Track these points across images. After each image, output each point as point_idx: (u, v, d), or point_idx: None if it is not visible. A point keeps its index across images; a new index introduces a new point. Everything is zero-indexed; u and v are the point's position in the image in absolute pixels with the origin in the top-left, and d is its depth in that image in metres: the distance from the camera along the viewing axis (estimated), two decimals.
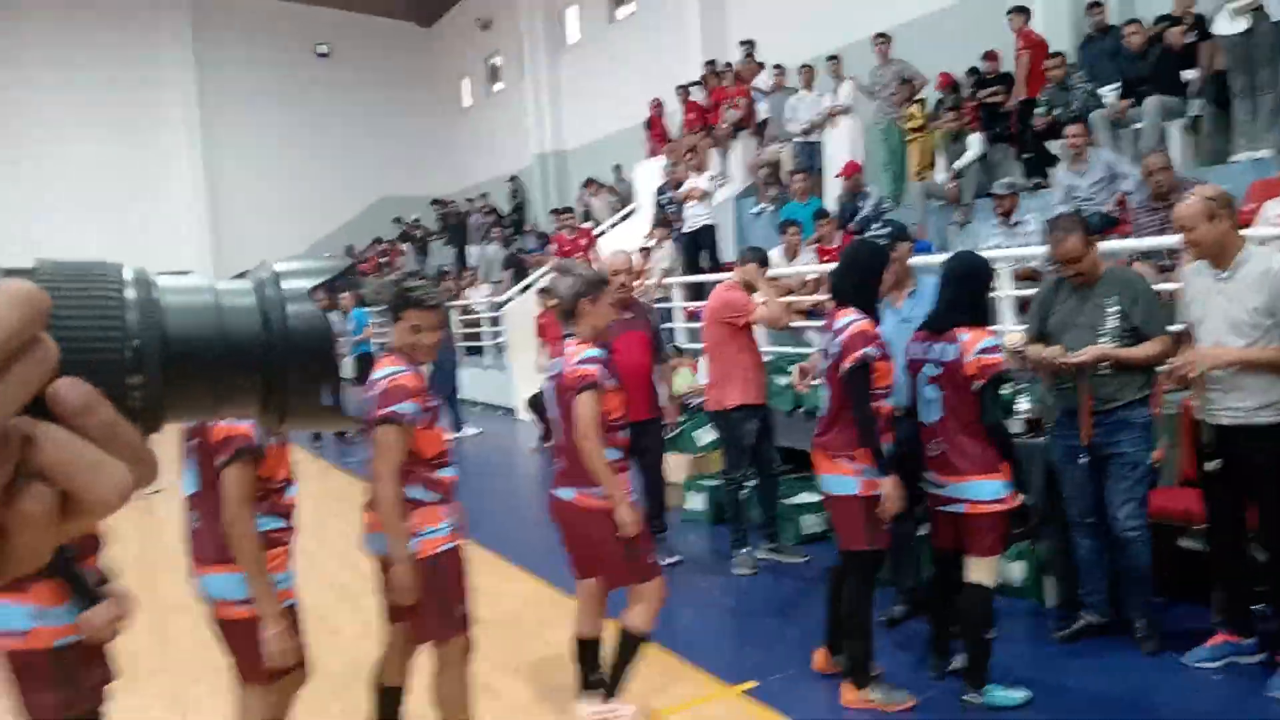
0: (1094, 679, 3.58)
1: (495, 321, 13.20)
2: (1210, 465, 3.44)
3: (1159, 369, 3.66)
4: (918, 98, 9.56)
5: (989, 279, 3.55)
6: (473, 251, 15.86)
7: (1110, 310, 3.67)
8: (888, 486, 3.30)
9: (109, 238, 17.85)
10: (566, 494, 3.26)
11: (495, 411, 12.36)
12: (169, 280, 0.44)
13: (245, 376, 0.43)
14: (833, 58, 10.22)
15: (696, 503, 6.24)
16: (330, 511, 6.93)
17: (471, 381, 12.78)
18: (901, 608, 4.26)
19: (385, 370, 2.78)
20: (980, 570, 3.38)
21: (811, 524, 5.50)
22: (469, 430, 10.69)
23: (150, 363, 0.40)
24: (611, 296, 3.40)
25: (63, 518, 0.38)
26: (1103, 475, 3.78)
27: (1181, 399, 3.99)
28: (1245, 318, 3.29)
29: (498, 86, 21.44)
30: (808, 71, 10.51)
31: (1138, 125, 7.40)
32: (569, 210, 11.89)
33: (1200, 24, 7.41)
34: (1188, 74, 7.43)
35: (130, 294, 0.41)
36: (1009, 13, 8.70)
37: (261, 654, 2.52)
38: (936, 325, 3.44)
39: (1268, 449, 3.29)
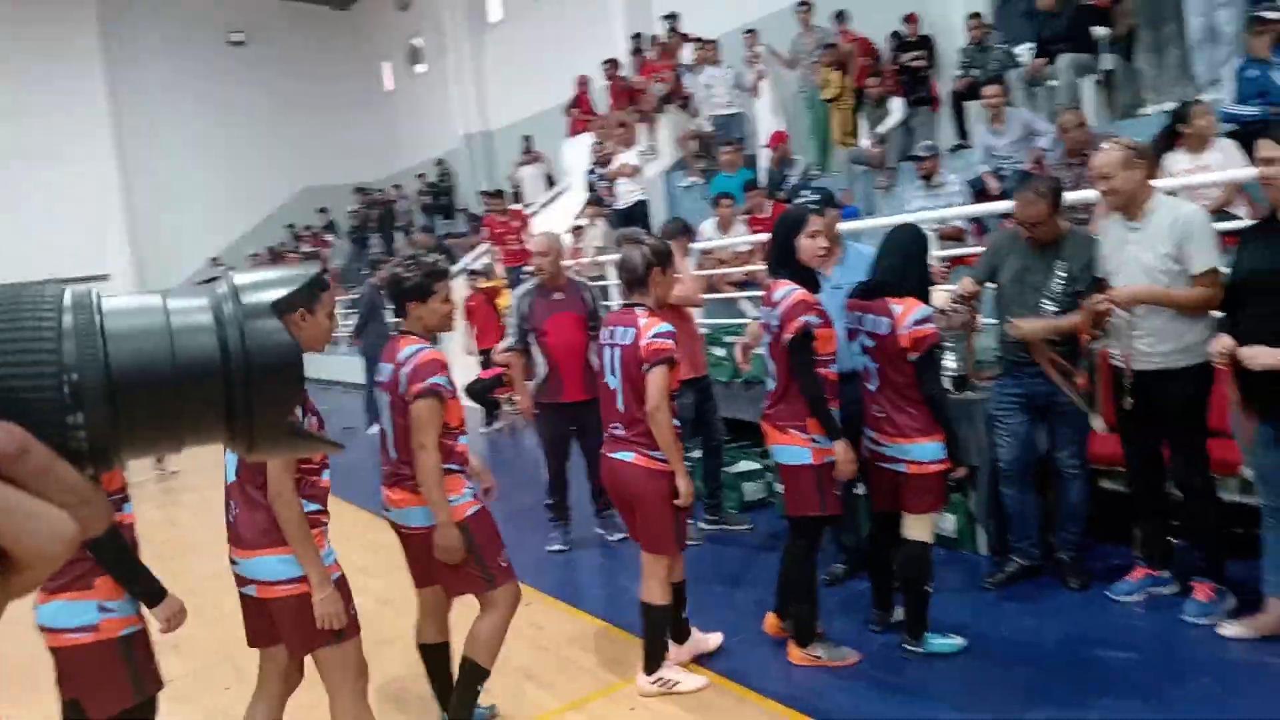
0: (1026, 619, 3.72)
1: None
2: (1127, 404, 3.57)
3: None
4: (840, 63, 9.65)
5: (926, 248, 3.60)
6: (402, 240, 15.67)
7: (1059, 274, 3.77)
8: (840, 452, 3.37)
9: (16, 240, 17.27)
10: (625, 456, 3.36)
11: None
12: (115, 302, 0.40)
13: (205, 404, 0.40)
14: (749, 31, 10.25)
15: None
16: None
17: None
18: (842, 566, 4.36)
19: (411, 348, 2.93)
20: (918, 527, 3.48)
21: (753, 491, 5.59)
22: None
23: (92, 397, 0.37)
24: (671, 269, 3.48)
25: (3, 574, 0.35)
26: (1040, 425, 3.94)
27: (1099, 348, 4.12)
28: (1157, 264, 3.41)
29: (420, 68, 21.08)
30: (710, 46, 10.53)
31: (1053, 83, 7.58)
32: (499, 193, 11.78)
33: None
34: (1099, 31, 7.62)
35: (68, 321, 0.37)
36: None
37: (314, 625, 2.53)
38: (870, 293, 3.49)
39: (1183, 392, 3.44)
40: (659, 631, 3.50)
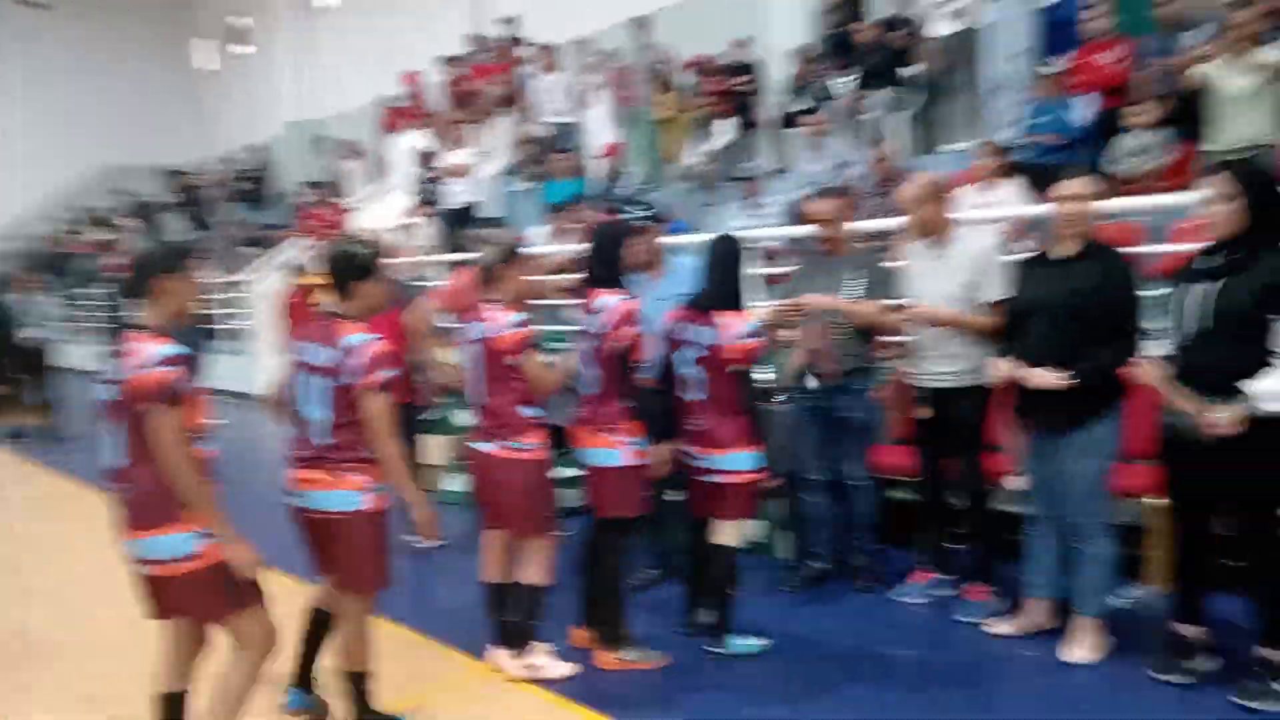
0: (821, 621, 3.94)
1: (234, 302, 12.36)
2: (922, 415, 3.85)
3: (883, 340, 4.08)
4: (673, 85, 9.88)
5: (740, 261, 3.75)
6: (214, 226, 14.73)
7: (851, 284, 3.99)
8: (655, 453, 3.51)
9: None
10: (486, 447, 3.43)
11: (233, 399, 11.58)
12: None
13: None
14: (582, 41, 10.34)
15: (455, 485, 6.19)
16: (62, 514, 6.27)
17: (207, 367, 11.83)
18: (654, 571, 4.46)
19: (358, 337, 2.92)
20: (726, 533, 3.61)
21: (569, 498, 5.61)
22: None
23: None
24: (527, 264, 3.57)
25: None
26: (832, 436, 4.17)
27: (897, 366, 4.42)
28: (954, 291, 3.70)
29: (243, 49, 19.97)
30: (550, 53, 10.59)
31: (867, 116, 8.07)
32: (321, 184, 11.33)
33: (917, 25, 8.18)
34: (909, 70, 8.19)
35: None
36: None
37: (219, 593, 2.63)
38: (699, 306, 3.60)
39: (969, 409, 3.74)
40: (533, 614, 3.54)
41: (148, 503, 2.61)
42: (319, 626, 3.27)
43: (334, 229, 10.05)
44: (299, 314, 8.84)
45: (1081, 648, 3.40)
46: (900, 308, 3.82)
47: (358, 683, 3.14)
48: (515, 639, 3.58)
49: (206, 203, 15.73)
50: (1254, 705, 2.97)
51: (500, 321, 3.40)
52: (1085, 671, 3.34)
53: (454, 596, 4.49)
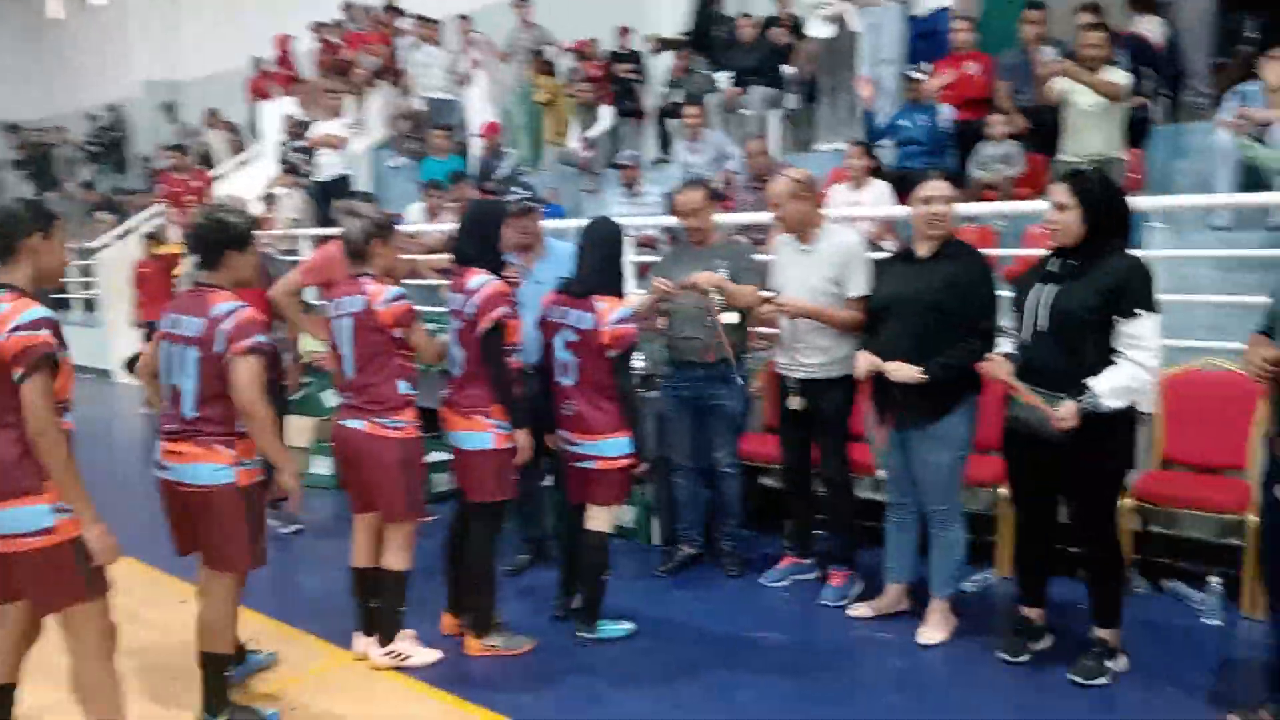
0: (690, 604, 4.01)
1: (86, 271, 11.59)
2: (792, 405, 3.94)
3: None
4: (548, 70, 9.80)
5: (622, 247, 3.74)
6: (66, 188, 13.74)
7: (722, 272, 4.04)
8: (521, 439, 3.46)
9: None
10: (356, 424, 3.33)
11: (84, 375, 10.89)
12: None
13: None
14: (464, 17, 10.12)
15: (322, 468, 5.99)
16: None
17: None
18: (525, 557, 4.44)
19: (227, 304, 2.87)
20: (599, 518, 3.62)
21: (441, 482, 5.53)
22: None
23: None
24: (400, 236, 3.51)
25: None
26: (703, 424, 4.24)
27: (766, 357, 4.53)
28: (820, 285, 3.80)
29: (96, 1, 18.68)
30: (433, 26, 10.34)
31: (745, 112, 8.21)
32: (182, 148, 10.71)
33: (797, 25, 8.38)
34: (787, 70, 8.37)
35: None
36: None
37: (69, 575, 2.47)
38: (576, 290, 3.56)
39: (833, 399, 3.86)
40: (397, 600, 3.46)
41: (6, 472, 2.42)
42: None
43: (196, 197, 9.55)
44: (155, 284, 8.42)
45: (935, 629, 3.58)
46: (770, 299, 3.90)
47: (218, 665, 3.06)
48: (381, 626, 3.50)
49: (54, 162, 14.64)
50: (1088, 682, 3.18)
51: (381, 295, 3.31)
52: (938, 652, 3.51)
53: (317, 583, 4.36)
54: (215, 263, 2.96)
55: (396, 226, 3.46)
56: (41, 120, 17.42)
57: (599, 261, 3.58)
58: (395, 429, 3.34)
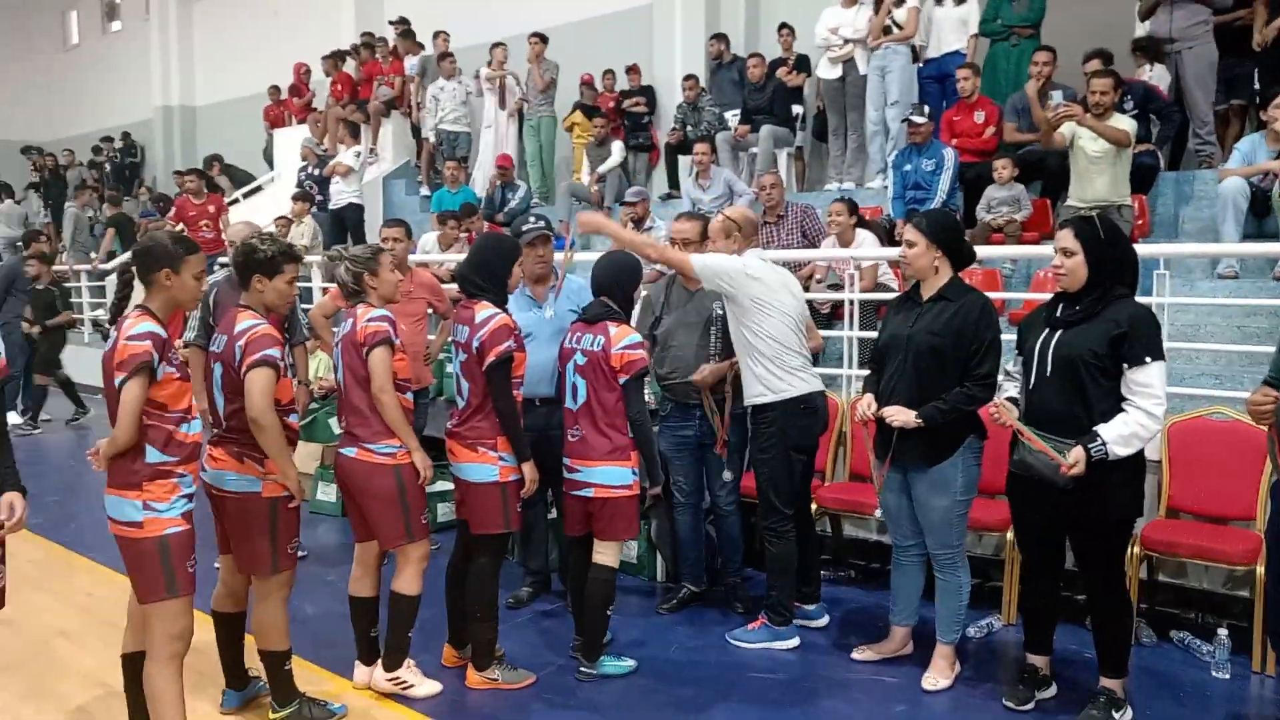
0: (692, 642, 3.98)
1: (98, 292, 11.68)
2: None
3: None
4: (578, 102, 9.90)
5: (639, 278, 3.77)
6: (69, 210, 13.79)
7: (717, 313, 4.07)
8: (529, 470, 3.46)
9: None
10: (349, 451, 3.38)
11: (96, 394, 10.91)
12: None
13: None
14: (497, 45, 10.19)
15: (328, 494, 6.00)
16: None
17: (67, 359, 11.09)
18: (528, 589, 4.43)
19: (247, 322, 3.02)
20: (607, 553, 3.60)
21: (445, 513, 5.53)
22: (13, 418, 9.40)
23: None
24: (390, 262, 3.54)
25: None
26: (703, 462, 4.24)
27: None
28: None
29: (114, 25, 18.98)
30: (450, 59, 10.46)
31: (754, 150, 8.29)
32: (198, 172, 10.81)
33: (807, 65, 8.48)
34: (797, 109, 8.47)
35: None
36: None
37: (156, 571, 2.70)
38: (590, 317, 3.61)
39: (757, 428, 3.87)
40: (404, 625, 3.45)
41: (119, 464, 2.70)
42: (229, 626, 3.34)
43: (209, 221, 9.64)
44: None
45: (939, 674, 3.54)
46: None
47: (277, 661, 3.21)
48: (387, 650, 3.49)
49: (69, 185, 14.79)
50: None
51: (364, 315, 3.36)
52: (942, 697, 3.47)
53: (320, 611, 4.33)
54: (246, 285, 3.12)
55: (380, 254, 3.49)
56: (56, 142, 17.62)
57: (613, 290, 3.63)
58: (386, 455, 3.34)
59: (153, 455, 2.70)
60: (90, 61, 19.35)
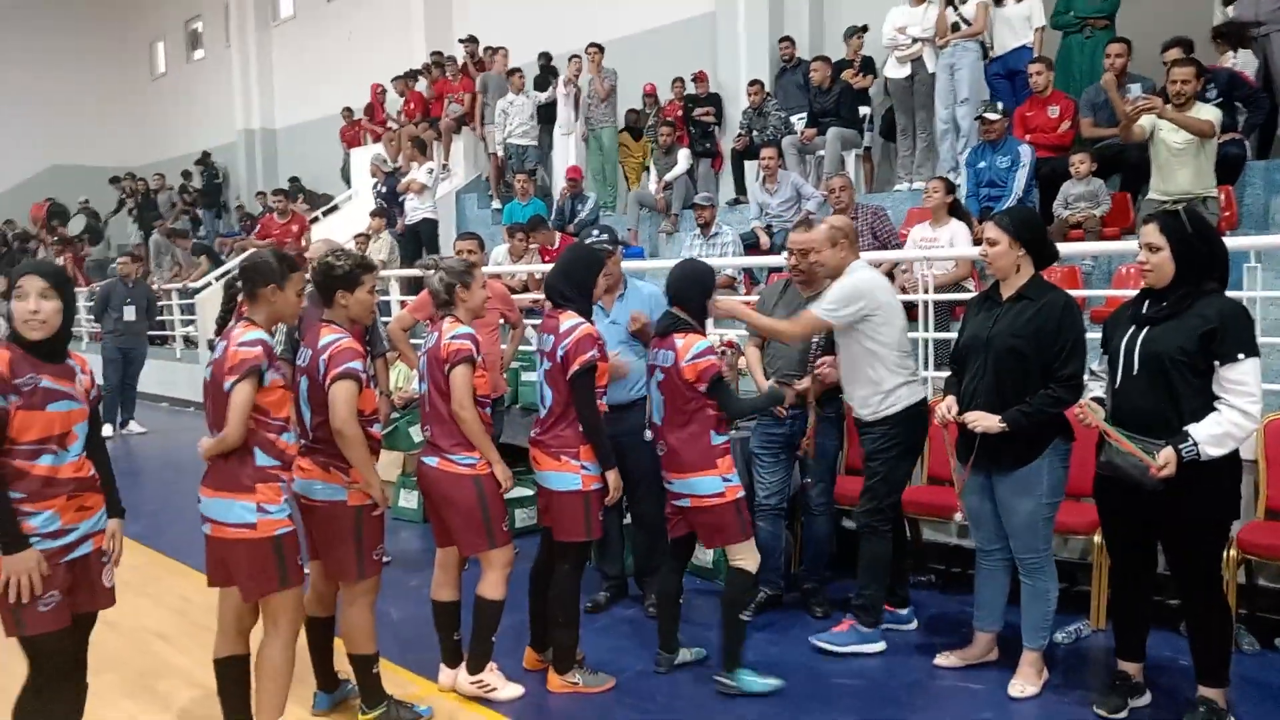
0: (770, 648, 3.93)
1: (188, 310, 12.16)
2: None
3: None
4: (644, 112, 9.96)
5: (713, 286, 3.76)
6: (154, 238, 14.34)
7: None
8: (612, 479, 3.50)
9: None
10: (430, 460, 3.45)
11: (188, 408, 11.36)
12: None
13: None
14: (577, 55, 10.31)
15: (410, 501, 6.14)
16: None
17: (157, 375, 11.61)
18: (605, 594, 4.47)
19: (330, 337, 3.11)
20: (740, 555, 3.54)
21: (524, 518, 5.61)
22: (135, 427, 9.93)
23: None
24: (482, 278, 3.61)
25: None
26: (795, 465, 4.23)
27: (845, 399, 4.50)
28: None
29: (198, 54, 19.75)
30: (518, 75, 10.63)
31: (821, 153, 8.23)
32: (284, 192, 11.17)
33: (873, 67, 8.39)
34: (864, 110, 8.38)
35: None
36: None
37: (271, 567, 2.84)
38: (660, 331, 3.62)
39: (869, 438, 3.85)
40: (488, 629, 3.51)
41: (227, 469, 2.84)
42: (318, 630, 3.42)
43: (293, 239, 9.97)
44: None
45: (1026, 681, 3.46)
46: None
47: (364, 665, 3.30)
48: (471, 654, 3.55)
49: (157, 207, 15.42)
50: None
51: (450, 331, 3.41)
52: (1029, 705, 3.39)
53: (405, 615, 4.44)
54: (330, 301, 3.21)
55: (474, 268, 3.55)
56: (145, 167, 18.40)
57: (684, 301, 3.61)
58: (467, 465, 3.40)
59: (261, 459, 2.84)
60: (176, 89, 20.18)
